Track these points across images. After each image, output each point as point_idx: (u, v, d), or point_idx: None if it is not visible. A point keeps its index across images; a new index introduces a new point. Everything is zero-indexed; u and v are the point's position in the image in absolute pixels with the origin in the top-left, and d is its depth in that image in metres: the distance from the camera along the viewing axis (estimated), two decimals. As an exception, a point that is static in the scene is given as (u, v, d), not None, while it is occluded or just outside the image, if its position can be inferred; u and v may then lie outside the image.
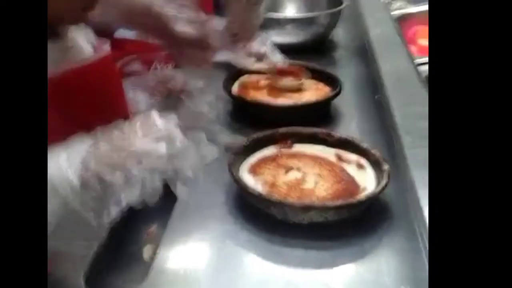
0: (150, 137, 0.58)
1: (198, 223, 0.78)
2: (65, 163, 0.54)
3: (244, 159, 0.87)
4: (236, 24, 0.99)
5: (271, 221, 0.76)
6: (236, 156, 0.84)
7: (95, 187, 0.55)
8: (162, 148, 0.58)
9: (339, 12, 1.37)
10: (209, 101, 0.96)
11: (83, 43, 0.81)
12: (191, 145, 0.61)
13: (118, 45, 1.08)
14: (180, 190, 0.61)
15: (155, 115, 0.61)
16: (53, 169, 0.54)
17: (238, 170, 0.83)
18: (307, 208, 0.73)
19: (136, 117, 0.62)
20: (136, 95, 0.95)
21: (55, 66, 0.70)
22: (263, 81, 1.12)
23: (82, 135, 0.59)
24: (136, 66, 1.15)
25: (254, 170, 0.84)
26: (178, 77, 0.97)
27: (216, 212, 0.80)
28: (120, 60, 1.09)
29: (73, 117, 0.74)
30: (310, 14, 1.41)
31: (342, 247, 0.73)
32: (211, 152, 0.64)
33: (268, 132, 0.91)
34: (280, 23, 1.35)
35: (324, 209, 0.73)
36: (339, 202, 0.74)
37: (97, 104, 0.81)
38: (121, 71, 1.08)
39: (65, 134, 0.72)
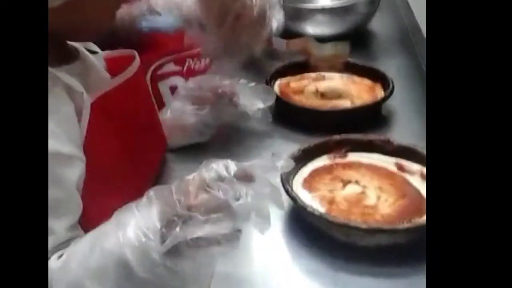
0: (212, 218, 0.49)
1: (252, 246, 0.72)
2: (133, 259, 0.49)
3: (296, 171, 0.80)
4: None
5: (333, 244, 0.69)
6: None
7: (168, 278, 0.50)
8: (225, 229, 0.49)
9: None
10: (260, 104, 0.89)
11: (94, 60, 0.75)
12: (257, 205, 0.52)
13: (151, 44, 1.03)
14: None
15: (212, 183, 0.51)
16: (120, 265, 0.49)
17: (291, 184, 0.76)
18: (375, 231, 0.66)
19: (193, 179, 0.53)
20: (184, 107, 0.89)
21: (83, 87, 0.63)
22: (306, 85, 1.06)
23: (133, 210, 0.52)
24: (170, 66, 1.09)
25: (309, 185, 0.77)
26: (226, 82, 0.90)
27: (270, 233, 0.73)
28: (153, 64, 1.04)
29: (117, 134, 0.69)
30: (348, 3, 1.31)
31: (414, 273, 0.66)
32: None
33: (320, 140, 0.84)
34: (315, 13, 1.26)
35: (393, 232, 0.66)
36: (409, 224, 0.66)
37: (135, 117, 0.75)
38: (155, 74, 1.02)
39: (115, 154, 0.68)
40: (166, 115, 0.89)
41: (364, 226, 0.66)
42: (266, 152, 0.89)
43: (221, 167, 0.52)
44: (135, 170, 0.72)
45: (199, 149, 0.89)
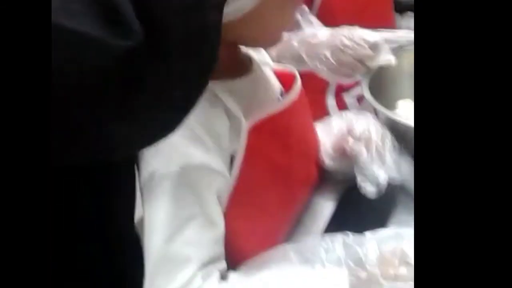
0: None
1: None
2: None
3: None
4: None
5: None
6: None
7: None
8: None
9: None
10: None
11: (267, 71, 0.74)
12: None
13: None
14: None
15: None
16: None
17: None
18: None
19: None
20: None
21: (242, 109, 0.64)
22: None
23: None
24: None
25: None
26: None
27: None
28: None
29: (271, 158, 0.68)
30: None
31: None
32: None
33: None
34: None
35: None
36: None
37: (291, 142, 0.73)
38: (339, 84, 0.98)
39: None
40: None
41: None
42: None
43: None
44: (282, 197, 0.71)
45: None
